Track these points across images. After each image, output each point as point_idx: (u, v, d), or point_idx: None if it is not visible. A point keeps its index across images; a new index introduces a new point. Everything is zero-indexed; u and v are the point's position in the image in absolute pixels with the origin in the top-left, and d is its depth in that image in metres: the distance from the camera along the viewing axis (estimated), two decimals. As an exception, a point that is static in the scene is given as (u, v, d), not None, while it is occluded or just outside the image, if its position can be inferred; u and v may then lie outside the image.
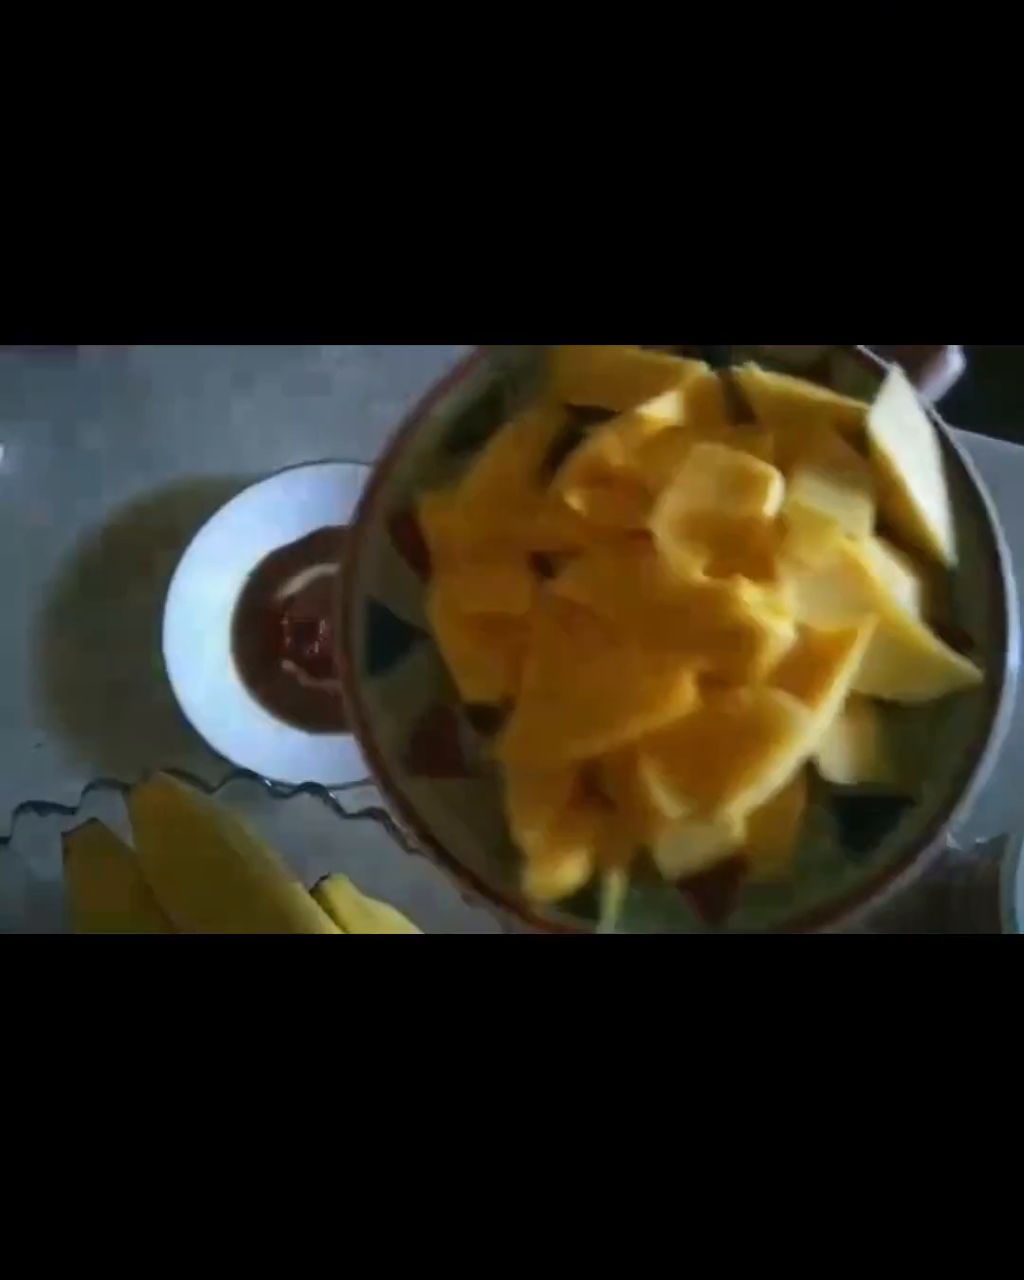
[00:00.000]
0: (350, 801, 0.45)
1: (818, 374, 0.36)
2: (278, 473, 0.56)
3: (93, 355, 0.62)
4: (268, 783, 0.45)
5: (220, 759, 0.52)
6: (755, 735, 0.31)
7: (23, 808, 0.45)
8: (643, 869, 0.34)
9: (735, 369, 0.36)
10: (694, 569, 0.32)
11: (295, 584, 0.57)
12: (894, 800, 0.34)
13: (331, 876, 0.44)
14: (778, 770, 0.31)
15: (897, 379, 0.35)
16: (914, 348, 0.38)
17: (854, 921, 0.33)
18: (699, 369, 0.36)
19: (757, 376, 0.36)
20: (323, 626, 0.53)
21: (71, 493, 0.61)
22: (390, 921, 0.44)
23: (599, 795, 0.35)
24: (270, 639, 0.55)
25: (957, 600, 0.35)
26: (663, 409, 0.35)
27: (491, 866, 0.34)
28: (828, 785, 0.33)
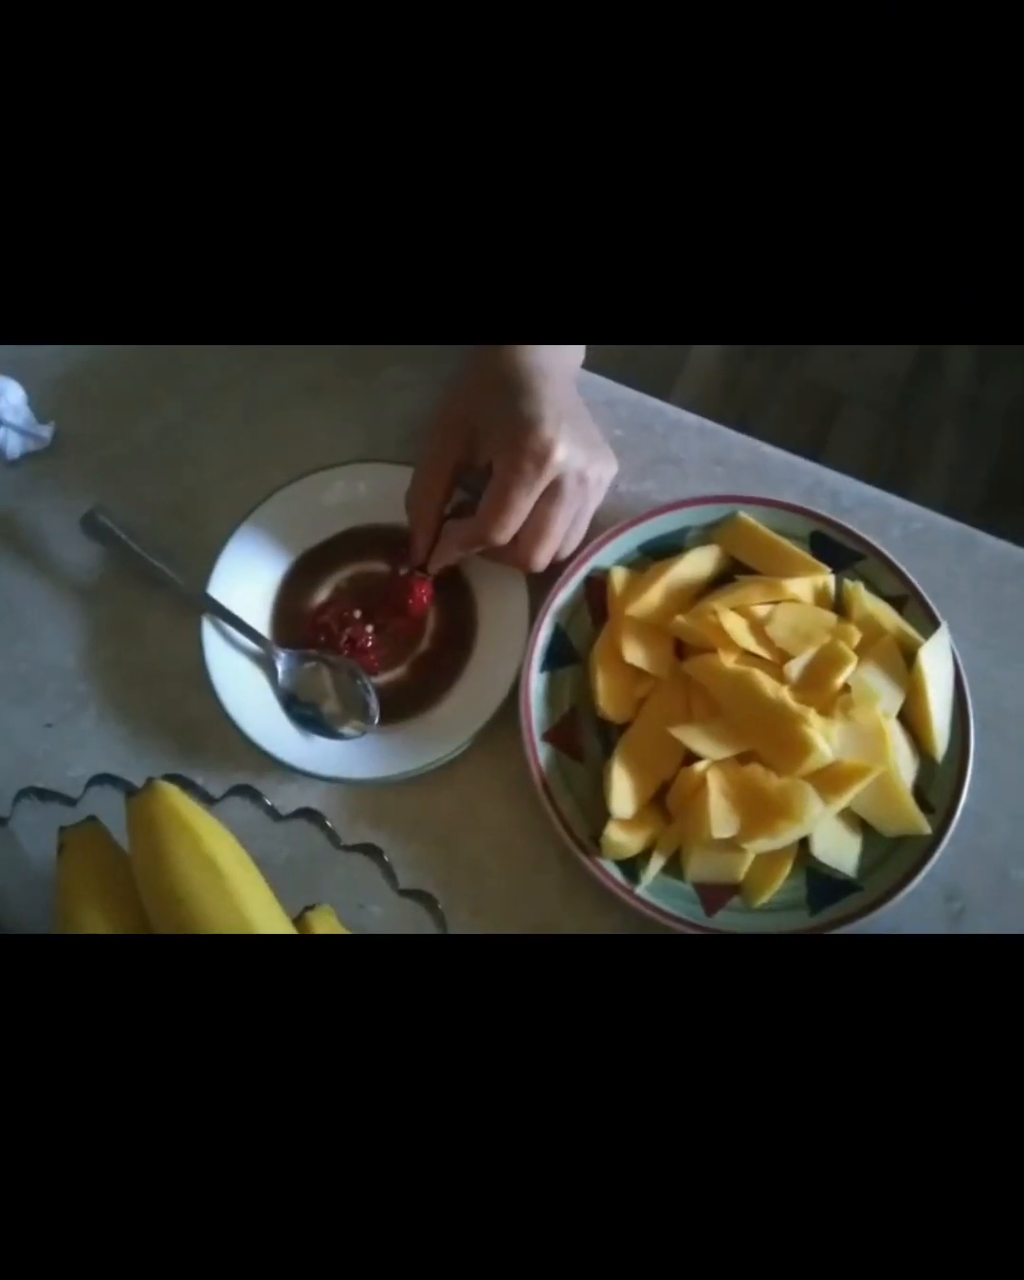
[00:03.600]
0: (346, 832, 0.45)
1: (898, 604, 0.54)
2: (311, 473, 0.56)
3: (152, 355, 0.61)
4: (268, 804, 0.44)
5: (250, 755, 0.52)
6: (785, 807, 0.47)
7: (24, 793, 0.44)
8: (673, 867, 0.50)
9: (847, 583, 0.53)
10: (786, 694, 0.49)
11: (329, 584, 0.56)
12: (848, 884, 0.50)
13: (316, 906, 0.44)
14: (791, 833, 0.48)
15: (944, 631, 0.53)
16: None
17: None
18: (827, 572, 0.53)
19: (860, 593, 0.53)
20: (353, 625, 0.54)
21: (124, 479, 0.60)
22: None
23: (664, 808, 0.50)
24: (307, 637, 0.55)
25: (934, 781, 0.51)
26: (797, 587, 0.52)
27: (575, 819, 0.50)
28: (810, 858, 0.50)
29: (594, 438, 0.51)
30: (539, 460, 0.47)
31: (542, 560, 0.50)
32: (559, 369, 0.50)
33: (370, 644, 0.55)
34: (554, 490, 0.48)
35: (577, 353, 0.54)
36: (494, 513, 0.48)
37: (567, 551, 0.52)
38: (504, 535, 0.48)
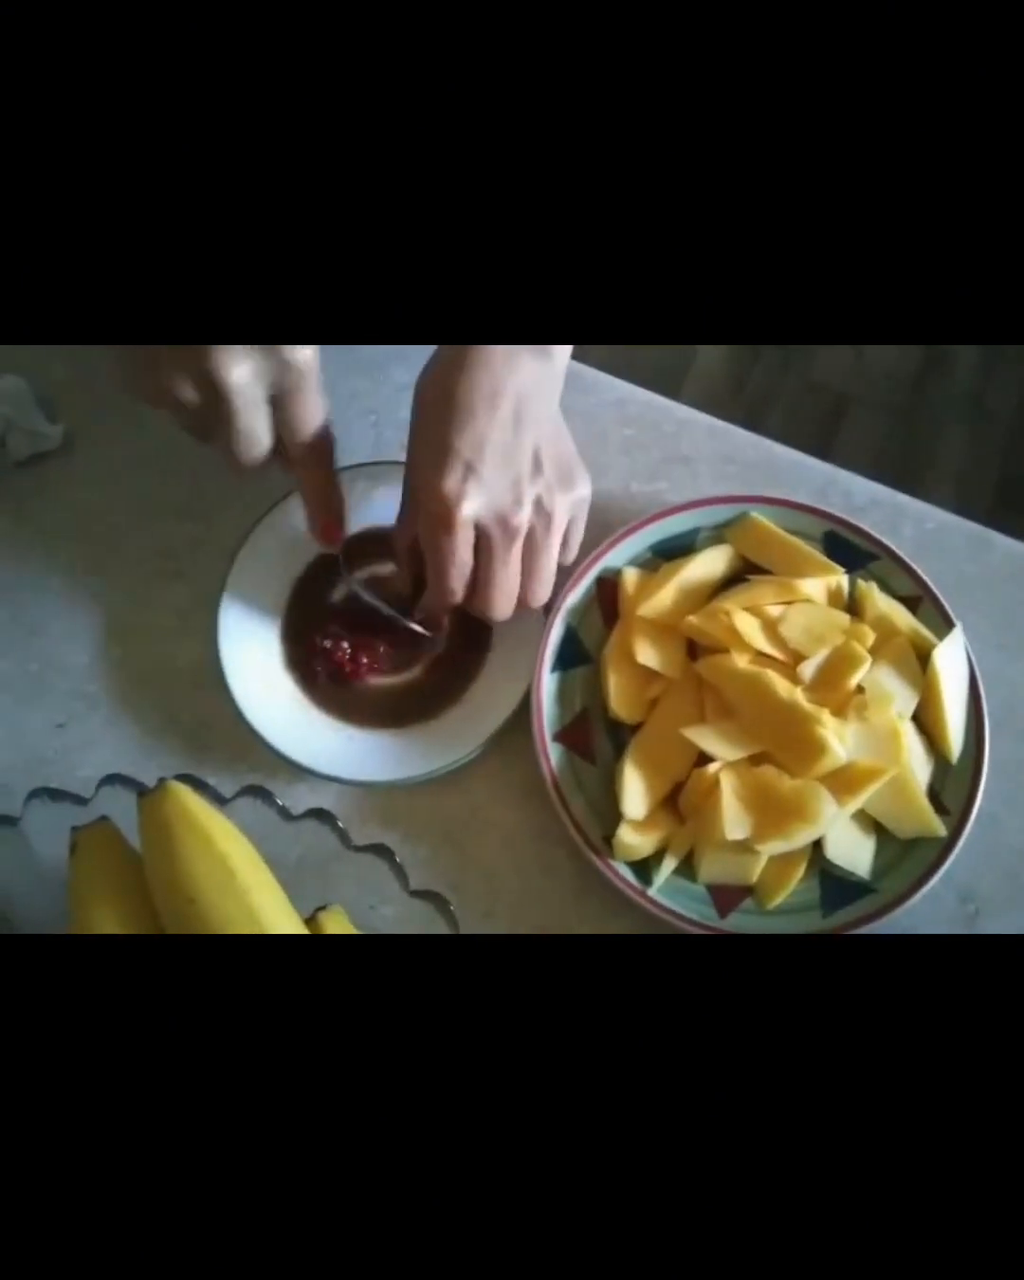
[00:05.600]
0: (358, 832, 0.44)
1: (911, 604, 0.54)
2: None
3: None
4: (279, 804, 0.44)
5: (265, 753, 0.52)
6: (798, 809, 0.47)
7: (35, 793, 0.44)
8: (685, 868, 0.49)
9: (861, 583, 0.53)
10: (799, 694, 0.48)
11: (344, 586, 0.56)
12: (862, 886, 0.49)
13: (328, 907, 0.44)
14: (804, 835, 0.47)
15: (958, 632, 0.52)
16: None
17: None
18: (841, 573, 0.53)
19: (874, 593, 0.53)
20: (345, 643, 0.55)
21: (134, 479, 0.60)
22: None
23: (676, 809, 0.50)
24: (322, 638, 0.55)
25: (948, 783, 0.51)
26: (810, 588, 0.52)
27: (587, 821, 0.49)
28: (823, 860, 0.49)
29: (524, 471, 0.46)
30: (445, 522, 0.45)
31: (500, 610, 0.49)
32: (513, 392, 0.45)
33: (364, 658, 0.55)
34: (483, 544, 0.46)
35: (547, 365, 0.47)
36: (434, 580, 0.47)
37: (538, 592, 0.50)
38: (455, 597, 0.48)
